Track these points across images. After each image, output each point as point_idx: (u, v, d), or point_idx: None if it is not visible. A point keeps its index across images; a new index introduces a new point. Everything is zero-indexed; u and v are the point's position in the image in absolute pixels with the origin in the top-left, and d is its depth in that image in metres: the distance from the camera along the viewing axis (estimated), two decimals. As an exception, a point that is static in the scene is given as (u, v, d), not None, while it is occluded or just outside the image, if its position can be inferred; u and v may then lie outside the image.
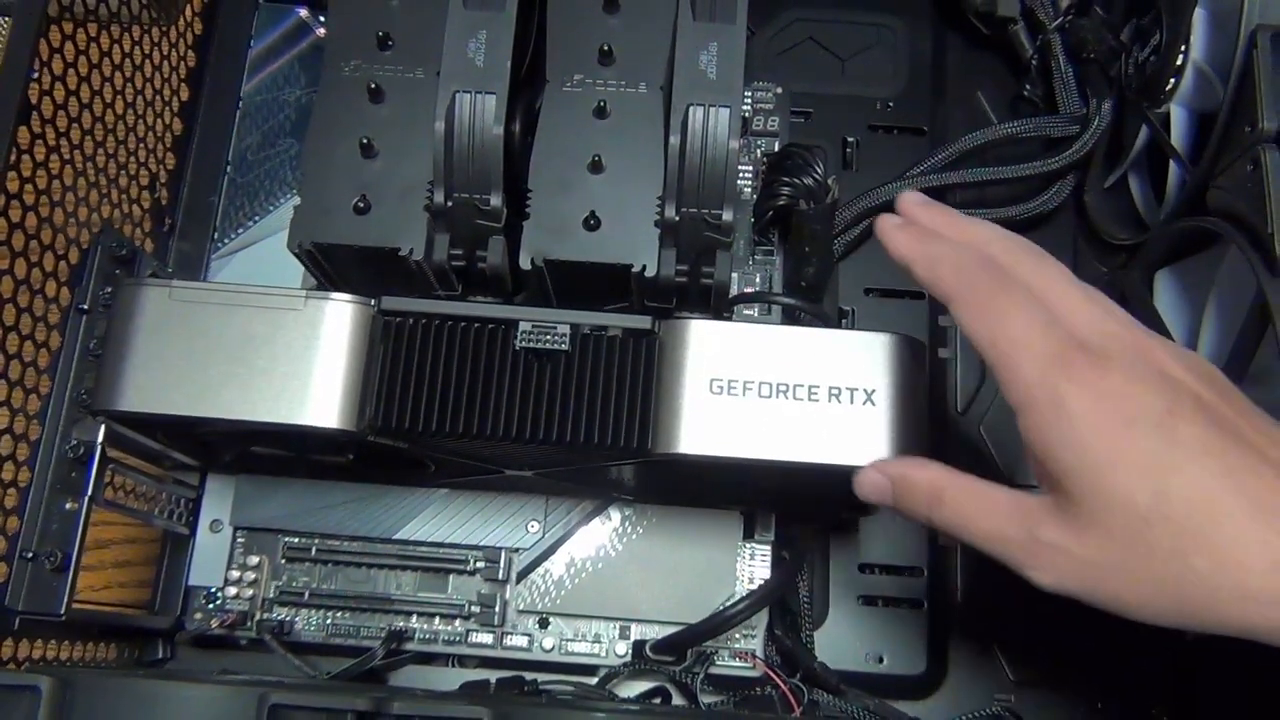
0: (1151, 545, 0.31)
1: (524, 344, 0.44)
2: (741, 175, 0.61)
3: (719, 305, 0.46)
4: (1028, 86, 0.62)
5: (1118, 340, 0.34)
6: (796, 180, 0.55)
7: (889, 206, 0.59)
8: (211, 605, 0.56)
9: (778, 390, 0.43)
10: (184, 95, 0.56)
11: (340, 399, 0.44)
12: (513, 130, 0.45)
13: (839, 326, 0.58)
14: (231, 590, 0.56)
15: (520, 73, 0.45)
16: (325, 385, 0.44)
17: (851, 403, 0.43)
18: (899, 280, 0.61)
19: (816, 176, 0.55)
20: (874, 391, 0.43)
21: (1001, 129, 0.59)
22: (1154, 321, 0.52)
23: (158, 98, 0.54)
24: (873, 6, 0.65)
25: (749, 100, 0.62)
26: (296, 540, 0.56)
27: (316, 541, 0.56)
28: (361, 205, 0.43)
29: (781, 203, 0.55)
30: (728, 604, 0.52)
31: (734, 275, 0.59)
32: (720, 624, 0.51)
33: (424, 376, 0.44)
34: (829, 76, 0.64)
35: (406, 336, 0.44)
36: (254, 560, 0.56)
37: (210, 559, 0.56)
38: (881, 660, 0.56)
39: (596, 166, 0.44)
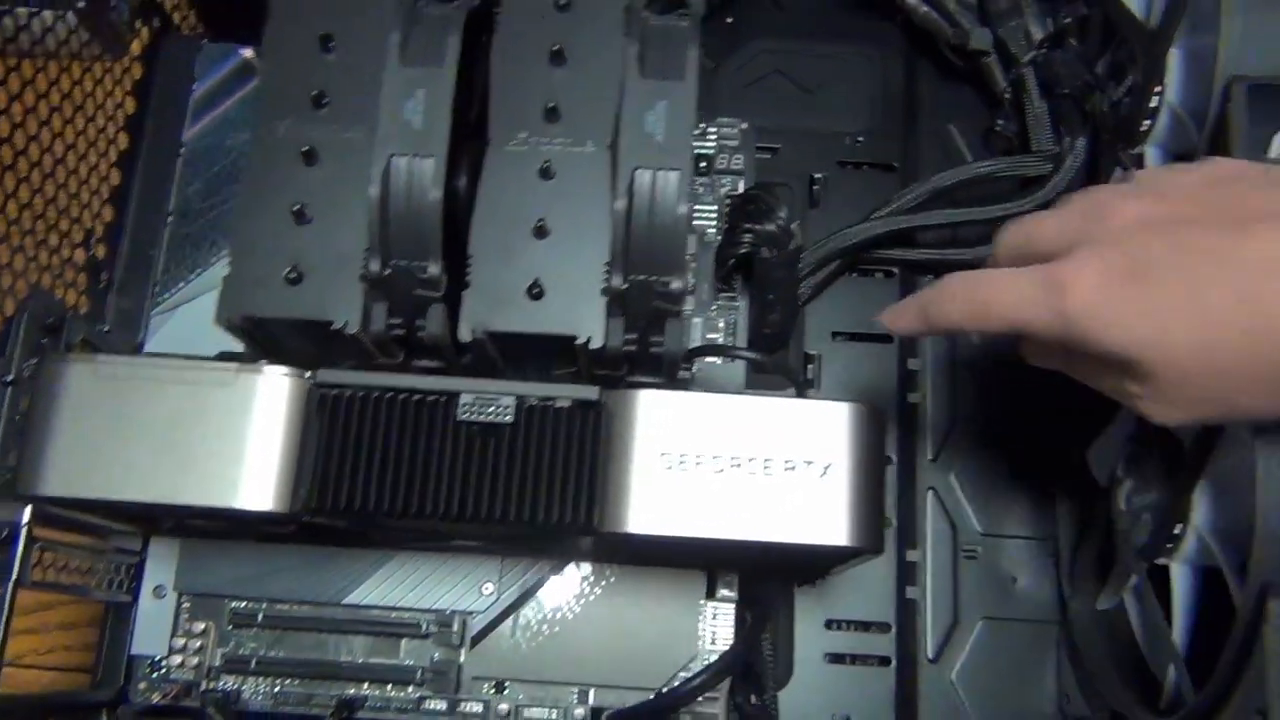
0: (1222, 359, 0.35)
1: (466, 416, 0.42)
2: (705, 215, 0.59)
3: (671, 374, 0.44)
4: (1000, 121, 0.60)
5: (1078, 233, 0.37)
6: (758, 226, 0.53)
7: (857, 249, 0.58)
8: (156, 675, 0.54)
9: (731, 463, 0.41)
10: (122, 144, 0.54)
11: (274, 479, 0.42)
12: (456, 190, 0.43)
13: (803, 377, 0.55)
14: (176, 659, 0.53)
15: (464, 129, 0.43)
16: (258, 465, 0.42)
17: (807, 476, 0.41)
18: (866, 323, 0.59)
19: (779, 222, 0.53)
20: (830, 464, 0.42)
21: (972, 169, 0.57)
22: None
23: (92, 149, 0.52)
24: (842, 37, 0.63)
25: (713, 137, 0.60)
26: (243, 605, 0.54)
27: (264, 606, 0.54)
28: (294, 275, 0.41)
29: (743, 250, 0.53)
30: (687, 676, 0.50)
31: (697, 321, 0.57)
32: (677, 699, 0.49)
33: (361, 453, 0.42)
34: (796, 110, 0.62)
35: (343, 411, 0.42)
36: (199, 627, 0.54)
37: (154, 626, 0.54)
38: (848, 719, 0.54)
39: (541, 231, 0.42)
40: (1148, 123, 0.50)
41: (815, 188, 0.61)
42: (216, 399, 0.42)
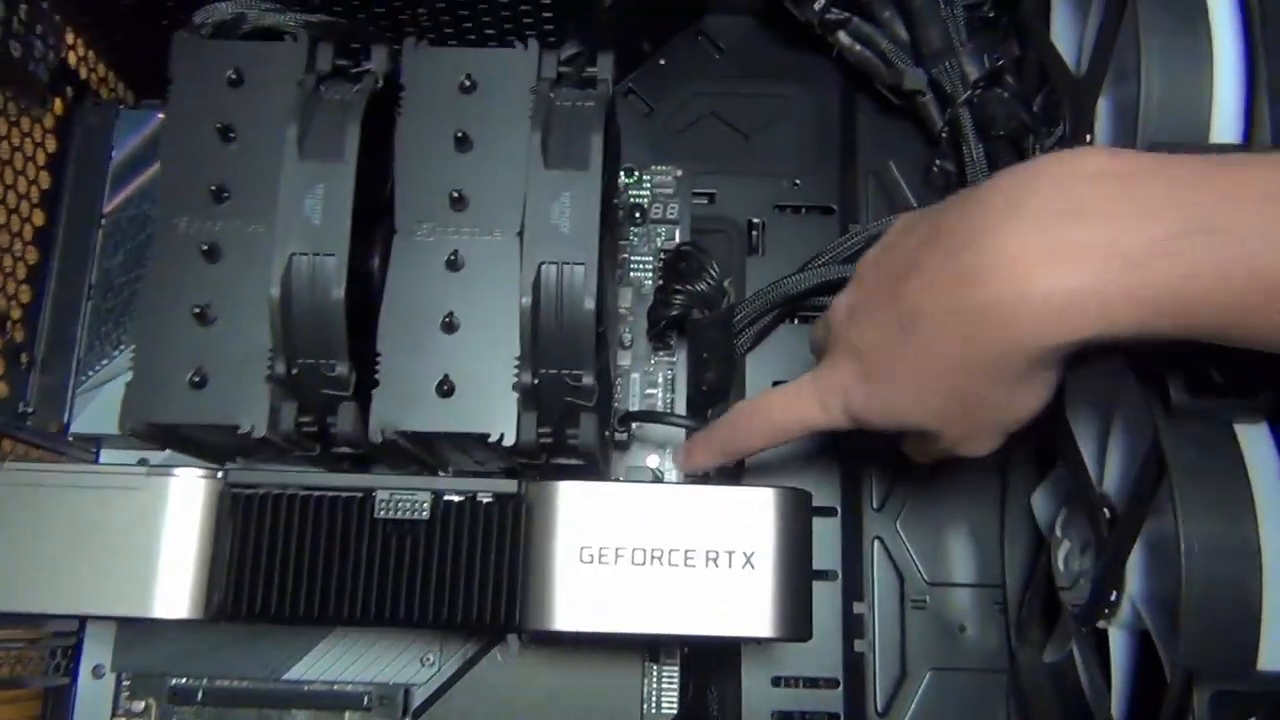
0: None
1: (382, 514, 0.41)
2: (641, 267, 0.58)
3: (591, 464, 0.43)
4: (938, 161, 0.59)
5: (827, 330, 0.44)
6: (690, 286, 0.52)
7: (796, 298, 0.57)
8: (97, 755, 0.53)
9: (651, 557, 0.41)
10: (38, 221, 0.53)
11: (189, 584, 0.41)
12: (371, 276, 0.42)
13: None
14: (117, 739, 0.53)
15: (377, 212, 0.42)
16: (170, 572, 0.41)
17: (730, 567, 0.41)
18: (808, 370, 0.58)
19: (711, 280, 0.52)
20: (753, 554, 0.41)
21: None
22: (1063, 435, 0.49)
23: (4, 230, 0.50)
24: (777, 77, 0.62)
25: (647, 185, 0.59)
26: (183, 682, 0.53)
27: (204, 683, 0.53)
28: (198, 379, 0.40)
29: (675, 313, 0.52)
30: None
31: (635, 375, 0.56)
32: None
33: (276, 554, 0.41)
34: (733, 154, 0.61)
35: (256, 511, 0.41)
36: (139, 706, 0.53)
37: (93, 707, 0.53)
38: (797, 779, 0.54)
39: (450, 325, 0.41)
40: (1081, 173, 0.49)
41: (754, 234, 0.60)
42: (127, 504, 0.41)
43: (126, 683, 0.54)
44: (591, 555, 0.41)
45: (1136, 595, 0.44)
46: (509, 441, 0.40)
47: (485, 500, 0.41)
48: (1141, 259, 0.31)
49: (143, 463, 0.51)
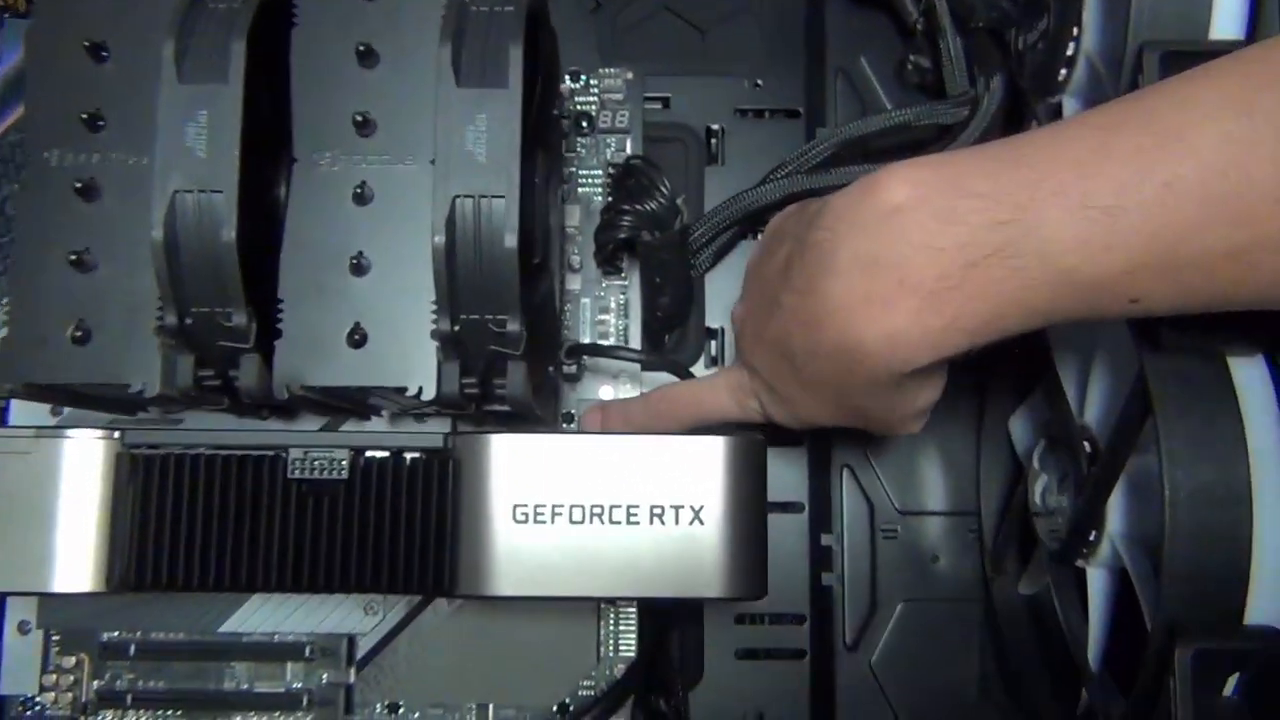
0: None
1: (296, 474, 0.38)
2: (590, 181, 0.53)
3: (527, 415, 0.40)
4: (912, 56, 0.54)
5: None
6: (639, 206, 0.48)
7: (758, 213, 0.52)
8: (29, 713, 0.51)
9: (591, 514, 0.37)
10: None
11: (88, 556, 0.38)
12: (274, 212, 0.38)
13: (688, 371, 0.51)
14: (49, 695, 0.51)
15: (276, 141, 0.37)
16: (67, 542, 0.38)
17: (677, 523, 0.38)
18: (773, 292, 0.54)
19: (662, 199, 0.48)
20: (702, 508, 0.38)
21: (882, 119, 0.51)
22: (1043, 362, 0.46)
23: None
24: (736, -36, 0.56)
25: (595, 91, 0.54)
26: (115, 635, 0.51)
27: (136, 637, 0.51)
28: (80, 333, 0.36)
29: (623, 235, 0.48)
30: (590, 689, 0.47)
31: (585, 301, 0.52)
32: (575, 733, 0.46)
33: (180, 520, 0.38)
34: (689, 53, 0.56)
35: (157, 474, 0.38)
36: (70, 661, 0.51)
37: (22, 664, 0.51)
38: (762, 718, 0.52)
39: (359, 267, 0.36)
40: (1064, 72, 0.44)
41: (713, 141, 0.55)
42: (14, 470, 0.38)
43: (56, 638, 0.51)
44: (526, 514, 0.37)
45: (1116, 535, 0.41)
46: (429, 395, 0.36)
47: (410, 457, 0.38)
48: (937, 294, 0.32)
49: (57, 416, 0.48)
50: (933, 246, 0.31)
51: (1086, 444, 0.43)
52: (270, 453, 0.38)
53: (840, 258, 0.34)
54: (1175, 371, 0.36)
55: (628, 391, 0.52)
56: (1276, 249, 0.29)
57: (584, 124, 0.53)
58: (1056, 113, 0.46)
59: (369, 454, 0.38)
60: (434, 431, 0.38)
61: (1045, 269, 0.31)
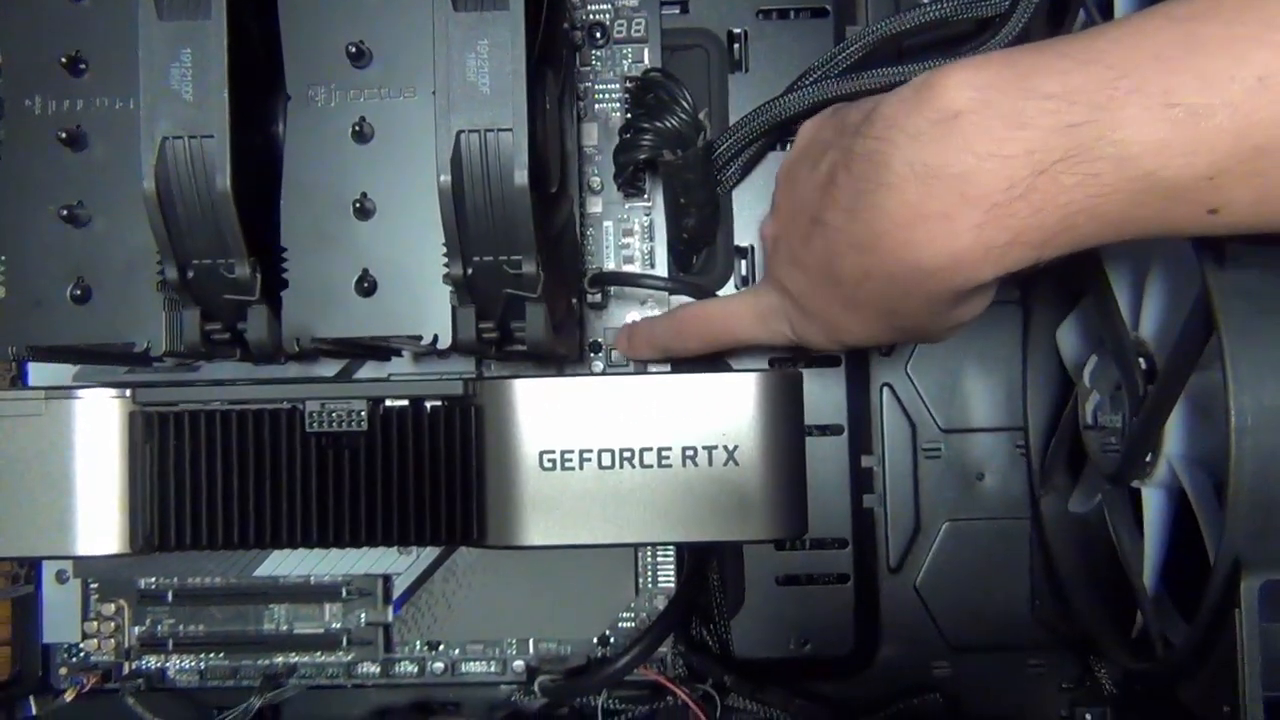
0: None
1: (314, 428, 0.36)
2: (606, 96, 0.50)
3: (552, 357, 0.38)
4: (950, -58, 0.50)
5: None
6: (659, 124, 0.45)
7: (789, 122, 0.49)
8: (74, 660, 0.51)
9: (621, 458, 0.36)
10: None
11: (110, 518, 0.37)
12: (269, 157, 0.35)
13: (714, 290, 0.49)
14: (92, 642, 0.51)
15: (261, 83, 0.35)
16: (87, 504, 0.37)
17: (710, 464, 0.36)
18: (805, 206, 0.51)
19: (683, 115, 0.45)
20: (736, 448, 0.36)
21: (917, 15, 0.47)
22: (1093, 272, 0.43)
23: None
24: None
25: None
26: (152, 582, 0.51)
27: (173, 582, 0.51)
28: (79, 292, 0.35)
29: (644, 155, 0.45)
30: (621, 650, 0.47)
31: (608, 224, 0.50)
32: (615, 673, 0.46)
33: (200, 478, 0.37)
34: (706, -50, 0.52)
35: (173, 432, 0.37)
36: (110, 608, 0.51)
37: (63, 613, 0.51)
38: (806, 643, 0.51)
39: (363, 210, 0.34)
40: (1119, -46, 0.41)
41: (735, 46, 0.52)
42: (28, 432, 0.37)
43: (94, 586, 0.51)
44: (554, 460, 0.36)
45: (1175, 456, 0.39)
46: (444, 344, 0.34)
47: (430, 405, 0.36)
48: (1001, 206, 0.29)
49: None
50: (999, 155, 0.29)
51: (1142, 360, 0.40)
52: (287, 406, 0.37)
53: (894, 170, 0.31)
54: (1241, 287, 0.33)
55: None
56: None
57: (597, 34, 0.50)
58: (1108, 6, 0.42)
59: (388, 404, 0.36)
60: (454, 376, 0.36)
61: (1121, 174, 0.28)
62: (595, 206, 0.50)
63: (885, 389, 0.52)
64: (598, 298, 0.48)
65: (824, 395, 0.51)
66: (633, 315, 0.50)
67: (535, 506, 0.36)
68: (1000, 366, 0.52)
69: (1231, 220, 0.29)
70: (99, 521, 0.37)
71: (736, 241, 0.51)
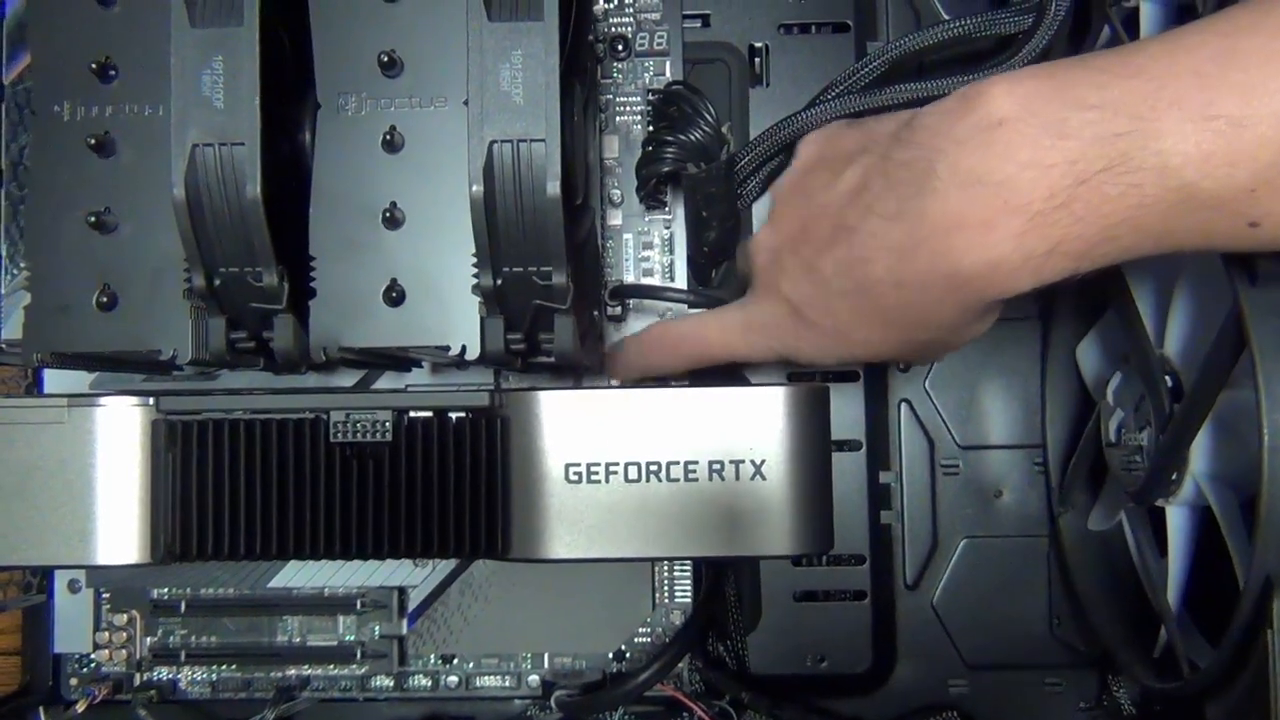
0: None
1: (339, 438, 0.36)
2: (628, 109, 0.50)
3: (575, 370, 0.38)
4: (972, -42, 0.50)
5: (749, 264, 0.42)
6: (682, 136, 0.45)
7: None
8: (85, 670, 0.51)
9: (648, 472, 0.36)
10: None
11: (131, 527, 0.37)
12: (298, 166, 0.35)
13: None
14: (104, 653, 0.50)
15: (292, 91, 0.35)
16: (109, 513, 0.37)
17: (738, 479, 0.36)
18: (825, 221, 0.51)
19: (706, 128, 0.45)
20: (764, 462, 0.36)
21: (938, 31, 0.47)
22: (1117, 287, 0.43)
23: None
24: None
25: (630, 11, 0.50)
26: (165, 593, 0.50)
27: (186, 593, 0.50)
28: (105, 299, 0.34)
29: (666, 169, 0.45)
30: (637, 668, 0.46)
31: (628, 236, 0.50)
32: (631, 691, 0.45)
33: (223, 488, 0.36)
34: (729, -35, 0.52)
35: (196, 441, 0.36)
36: (122, 619, 0.51)
37: (74, 623, 0.51)
38: (823, 660, 0.51)
39: (393, 219, 0.34)
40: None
41: (757, 60, 0.52)
42: (50, 440, 0.37)
43: (106, 596, 0.51)
44: (579, 474, 0.36)
45: (1202, 474, 0.39)
46: (473, 355, 0.34)
47: (455, 416, 0.36)
48: (1043, 215, 0.29)
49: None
50: (1041, 164, 0.29)
51: (1168, 377, 0.40)
52: (311, 416, 0.36)
53: (938, 176, 0.31)
54: (1274, 305, 0.33)
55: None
56: None
57: (619, 47, 0.50)
58: (1132, 18, 0.42)
59: (413, 415, 0.36)
60: (480, 388, 0.36)
61: (1163, 184, 0.28)
62: (615, 219, 0.50)
63: (903, 405, 0.52)
64: (617, 310, 0.48)
65: (842, 411, 0.51)
66: (652, 328, 0.50)
67: (561, 519, 0.36)
68: (1019, 383, 0.52)
69: (1273, 234, 0.29)
70: (120, 531, 0.37)
71: (756, 256, 0.51)
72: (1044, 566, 0.51)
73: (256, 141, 0.33)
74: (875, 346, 0.38)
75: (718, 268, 0.51)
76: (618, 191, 0.50)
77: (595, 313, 0.45)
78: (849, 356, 0.39)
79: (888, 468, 0.51)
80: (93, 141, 0.34)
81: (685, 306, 0.49)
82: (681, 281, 0.50)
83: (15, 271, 0.48)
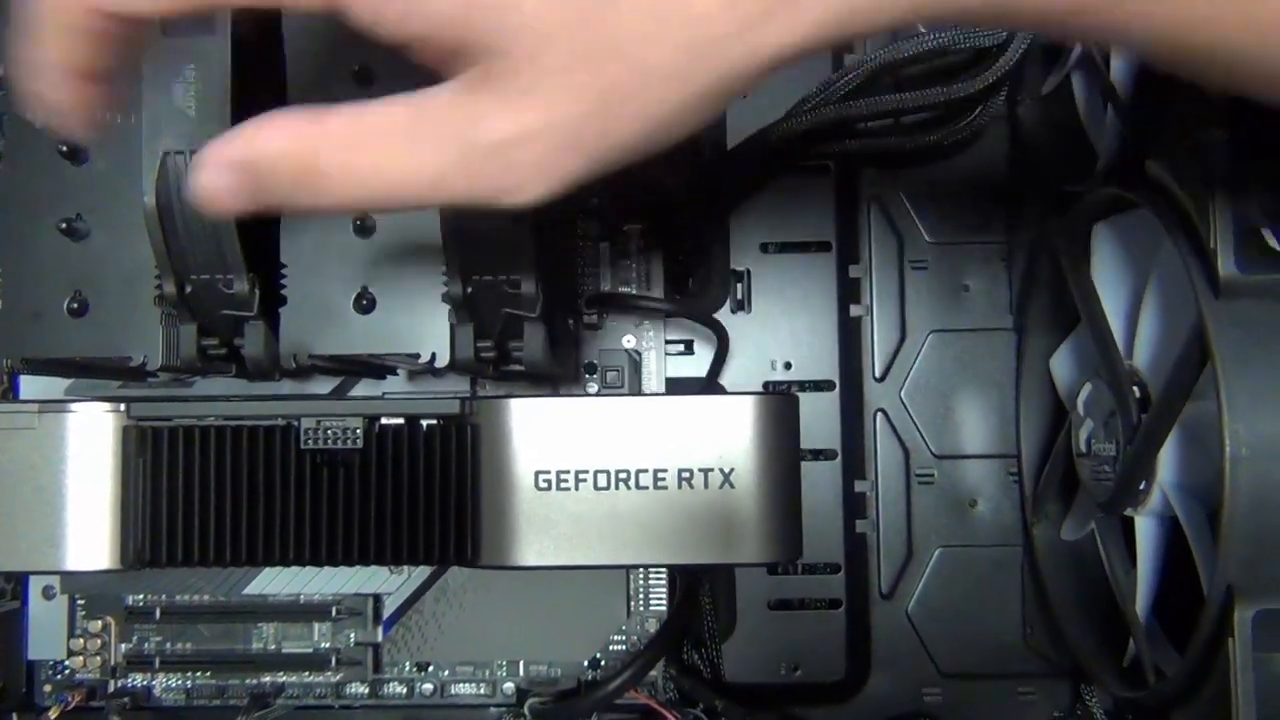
0: (616, 31, 0.23)
1: (309, 445, 0.36)
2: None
3: (549, 377, 0.38)
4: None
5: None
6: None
7: (785, 149, 0.50)
8: (59, 677, 0.51)
9: (617, 480, 0.36)
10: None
11: (101, 533, 0.37)
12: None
13: (717, 320, 0.49)
14: (78, 660, 0.50)
15: (264, 98, 0.35)
16: (79, 519, 0.37)
17: (706, 487, 0.36)
18: (801, 231, 0.52)
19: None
20: (732, 471, 0.36)
21: (916, 43, 0.48)
22: (1087, 300, 0.43)
23: None
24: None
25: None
26: (140, 599, 0.50)
27: (161, 600, 0.50)
28: (76, 305, 0.35)
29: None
30: (612, 674, 0.46)
31: (604, 246, 0.50)
32: (606, 696, 0.45)
33: (193, 494, 0.37)
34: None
35: (167, 447, 0.37)
36: (96, 625, 0.51)
37: (48, 630, 0.50)
38: (798, 669, 0.51)
39: (363, 228, 0.34)
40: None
41: (734, 72, 0.52)
42: (21, 446, 0.37)
43: (81, 602, 0.50)
44: (549, 481, 0.36)
45: (1168, 484, 0.39)
46: (442, 362, 0.34)
47: (426, 424, 0.36)
48: None
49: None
50: None
51: (1136, 388, 0.40)
52: (282, 422, 0.36)
53: None
54: (1236, 317, 0.34)
55: (651, 339, 0.50)
56: None
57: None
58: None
59: (384, 422, 0.36)
60: (451, 395, 0.36)
61: None
62: (592, 227, 0.50)
63: (879, 414, 0.52)
64: (594, 318, 0.48)
65: (817, 420, 0.51)
66: (629, 338, 0.50)
67: (531, 526, 0.36)
68: (994, 394, 0.52)
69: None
70: (90, 537, 0.37)
71: (733, 265, 0.52)
72: (1018, 576, 0.51)
73: (227, 149, 0.33)
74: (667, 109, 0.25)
75: (695, 274, 0.51)
76: (595, 200, 0.50)
77: (570, 320, 0.45)
78: (638, 141, 0.25)
79: (863, 477, 0.52)
80: (65, 149, 0.34)
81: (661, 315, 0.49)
82: (659, 290, 0.50)
83: None
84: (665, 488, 0.36)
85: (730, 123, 0.51)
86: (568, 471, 0.36)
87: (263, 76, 0.34)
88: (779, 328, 0.52)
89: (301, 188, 0.25)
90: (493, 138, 0.23)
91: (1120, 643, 0.44)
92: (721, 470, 0.36)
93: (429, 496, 0.36)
